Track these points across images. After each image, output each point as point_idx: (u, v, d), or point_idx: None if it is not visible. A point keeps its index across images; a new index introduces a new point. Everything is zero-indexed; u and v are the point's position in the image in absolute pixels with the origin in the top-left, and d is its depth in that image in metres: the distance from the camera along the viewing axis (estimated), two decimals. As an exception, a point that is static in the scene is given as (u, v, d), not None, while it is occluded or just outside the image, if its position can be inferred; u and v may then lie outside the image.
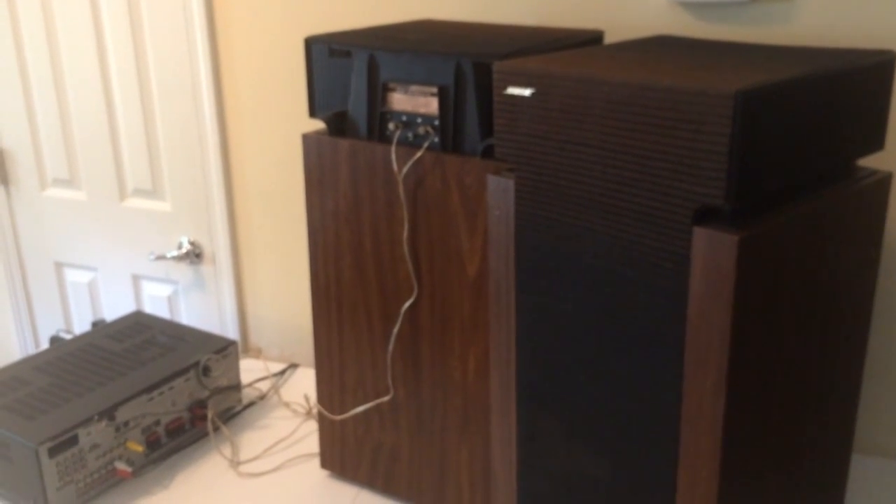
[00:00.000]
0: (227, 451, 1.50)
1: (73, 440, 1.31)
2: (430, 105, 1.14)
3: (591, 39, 1.22)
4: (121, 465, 1.37)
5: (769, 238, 0.86)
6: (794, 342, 0.95)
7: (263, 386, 1.71)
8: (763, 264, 0.86)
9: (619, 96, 0.87)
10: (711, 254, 0.83)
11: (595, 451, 1.00)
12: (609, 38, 1.39)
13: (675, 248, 0.87)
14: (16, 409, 1.36)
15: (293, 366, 1.79)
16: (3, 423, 1.32)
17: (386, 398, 1.30)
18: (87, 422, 1.33)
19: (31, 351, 2.20)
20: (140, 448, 1.39)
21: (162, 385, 1.44)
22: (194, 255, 1.88)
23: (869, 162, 1.27)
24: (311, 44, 1.23)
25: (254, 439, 1.53)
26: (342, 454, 1.38)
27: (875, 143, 1.01)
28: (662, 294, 0.89)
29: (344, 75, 1.21)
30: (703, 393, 0.88)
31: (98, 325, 1.67)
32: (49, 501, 1.29)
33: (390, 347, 1.27)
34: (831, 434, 1.08)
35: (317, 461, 1.46)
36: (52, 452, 1.28)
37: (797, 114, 0.87)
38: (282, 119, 1.71)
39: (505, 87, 0.97)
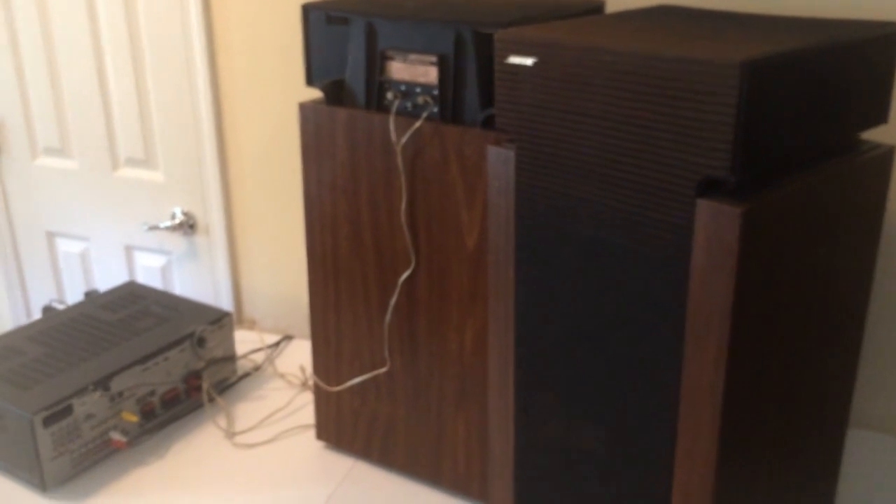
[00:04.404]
0: (222, 421, 1.50)
1: (68, 410, 1.30)
2: (430, 74, 1.13)
3: (593, 8, 1.20)
4: (115, 436, 1.37)
5: (772, 210, 0.85)
6: (794, 315, 0.94)
7: (258, 357, 1.71)
8: (766, 237, 0.85)
9: (623, 66, 0.86)
10: (714, 226, 0.83)
11: (593, 424, 1.00)
12: (610, 8, 1.37)
13: (678, 220, 0.86)
14: (10, 378, 1.35)
15: (288, 337, 1.79)
16: (-3, 392, 1.31)
17: (382, 370, 1.30)
18: (81, 392, 1.32)
19: (23, 321, 2.18)
20: (135, 418, 1.39)
21: (157, 355, 1.43)
22: (188, 226, 1.87)
23: (872, 135, 1.26)
24: (308, 10, 1.21)
25: (249, 410, 1.53)
26: (338, 425, 1.38)
27: (879, 116, 1.00)
28: (663, 266, 0.89)
29: (341, 43, 1.19)
30: (703, 366, 0.88)
31: (91, 295, 1.66)
32: (44, 471, 1.29)
33: (387, 319, 1.27)
34: (829, 408, 1.09)
35: (312, 432, 1.46)
36: (47, 422, 1.28)
37: (802, 85, 0.86)
38: (277, 88, 1.69)
39: (506, 57, 0.95)
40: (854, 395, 1.42)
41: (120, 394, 1.38)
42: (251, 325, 1.89)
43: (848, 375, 1.11)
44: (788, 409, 1.00)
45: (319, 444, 1.43)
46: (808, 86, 0.87)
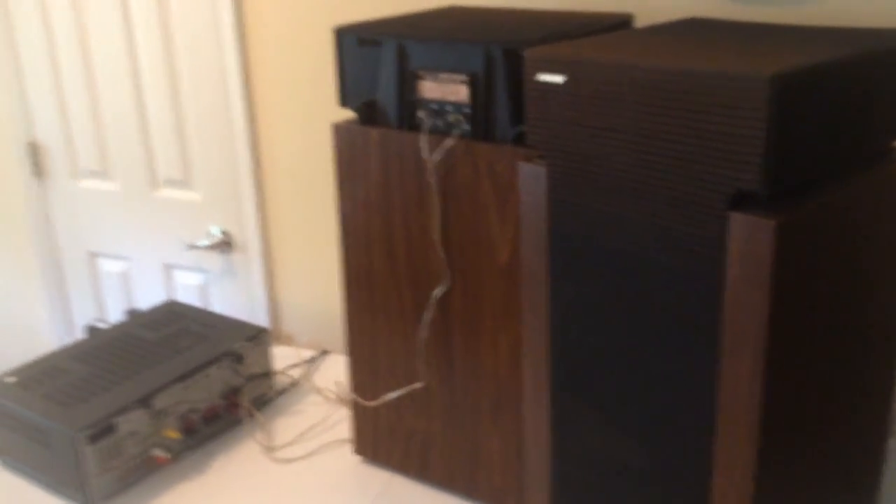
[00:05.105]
0: (261, 437, 1.52)
1: (112, 428, 1.33)
2: (460, 93, 1.14)
3: (621, 23, 1.21)
4: (158, 452, 1.39)
5: (806, 223, 0.85)
6: (830, 325, 0.94)
7: (295, 373, 1.73)
8: (799, 249, 0.85)
9: (652, 81, 0.87)
10: (748, 239, 0.83)
11: (629, 438, 1.00)
12: (639, 22, 1.37)
13: (710, 234, 0.86)
14: (55, 397, 1.39)
15: (324, 352, 1.81)
16: (44, 411, 1.35)
17: (418, 385, 1.31)
18: (124, 409, 1.35)
19: (66, 340, 2.23)
20: (177, 435, 1.42)
21: (197, 373, 1.46)
22: (225, 244, 1.90)
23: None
24: (341, 33, 1.23)
25: (287, 425, 1.55)
26: (375, 440, 1.39)
27: (912, 124, 1.00)
28: (697, 280, 0.89)
29: (373, 64, 1.21)
30: (739, 379, 0.88)
31: (133, 314, 1.70)
32: (90, 488, 1.32)
33: (422, 335, 1.28)
34: (868, 419, 1.08)
35: (349, 447, 1.48)
36: (92, 440, 1.31)
37: (833, 97, 0.86)
38: (310, 108, 1.72)
39: (536, 75, 0.96)
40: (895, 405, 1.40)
41: (162, 411, 1.41)
42: (287, 340, 1.91)
43: (887, 384, 1.10)
44: (826, 420, 0.99)
45: (357, 459, 1.45)
46: (839, 97, 0.87)
